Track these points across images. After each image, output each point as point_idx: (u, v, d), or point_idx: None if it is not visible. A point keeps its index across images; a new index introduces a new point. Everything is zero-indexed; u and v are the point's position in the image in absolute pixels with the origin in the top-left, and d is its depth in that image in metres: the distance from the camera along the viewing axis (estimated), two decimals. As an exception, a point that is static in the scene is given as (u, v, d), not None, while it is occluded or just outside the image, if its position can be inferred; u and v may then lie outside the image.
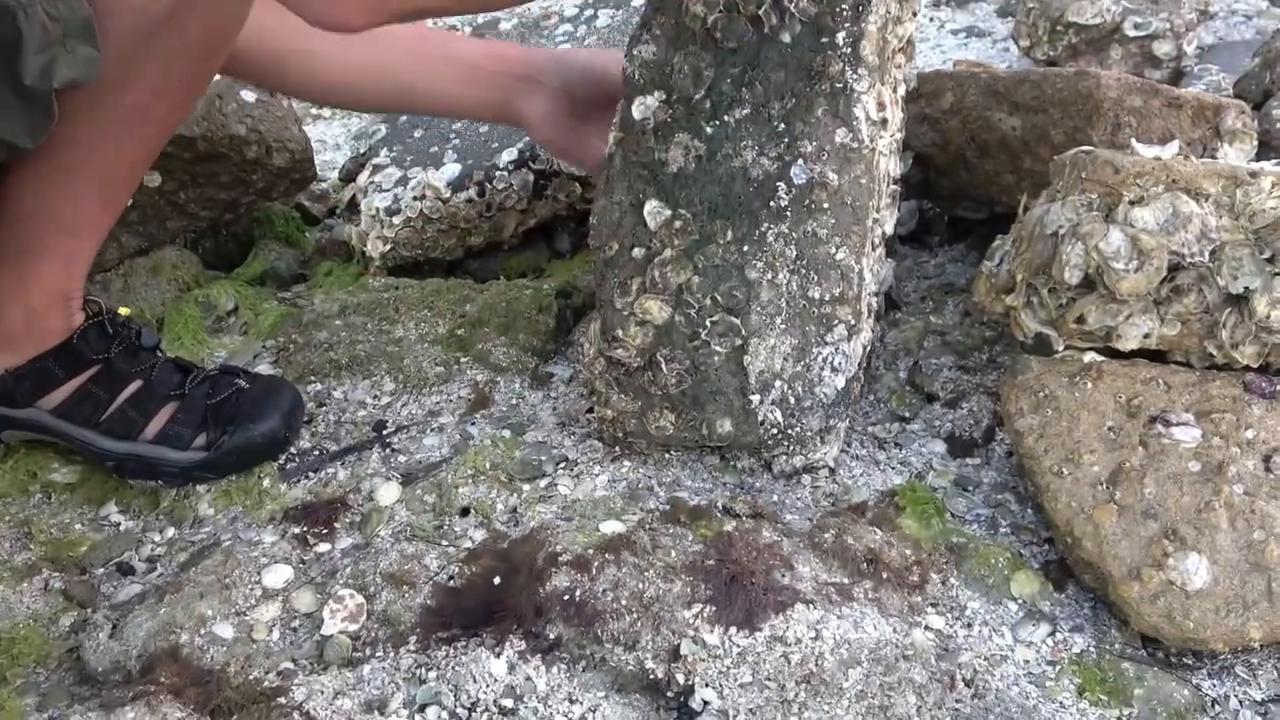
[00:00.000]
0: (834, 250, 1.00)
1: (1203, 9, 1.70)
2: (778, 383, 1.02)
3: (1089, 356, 1.02)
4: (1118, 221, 0.96)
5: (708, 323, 1.02)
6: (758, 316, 1.01)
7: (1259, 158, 1.24)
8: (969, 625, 0.93)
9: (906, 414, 1.16)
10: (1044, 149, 1.24)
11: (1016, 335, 1.05)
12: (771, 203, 0.99)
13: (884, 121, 1.02)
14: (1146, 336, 1.00)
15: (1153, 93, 1.22)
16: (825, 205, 0.99)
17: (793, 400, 1.03)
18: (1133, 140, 1.05)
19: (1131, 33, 1.65)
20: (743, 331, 1.01)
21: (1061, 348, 1.03)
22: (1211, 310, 0.98)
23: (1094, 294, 0.99)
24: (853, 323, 1.03)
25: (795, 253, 1.00)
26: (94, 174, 1.03)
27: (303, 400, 1.22)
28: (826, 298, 1.01)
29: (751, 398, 1.03)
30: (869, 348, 1.11)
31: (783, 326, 1.01)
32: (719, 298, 1.01)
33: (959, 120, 1.32)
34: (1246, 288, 0.96)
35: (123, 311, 1.16)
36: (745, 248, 1.00)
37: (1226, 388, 0.98)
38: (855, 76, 0.97)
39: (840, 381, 1.04)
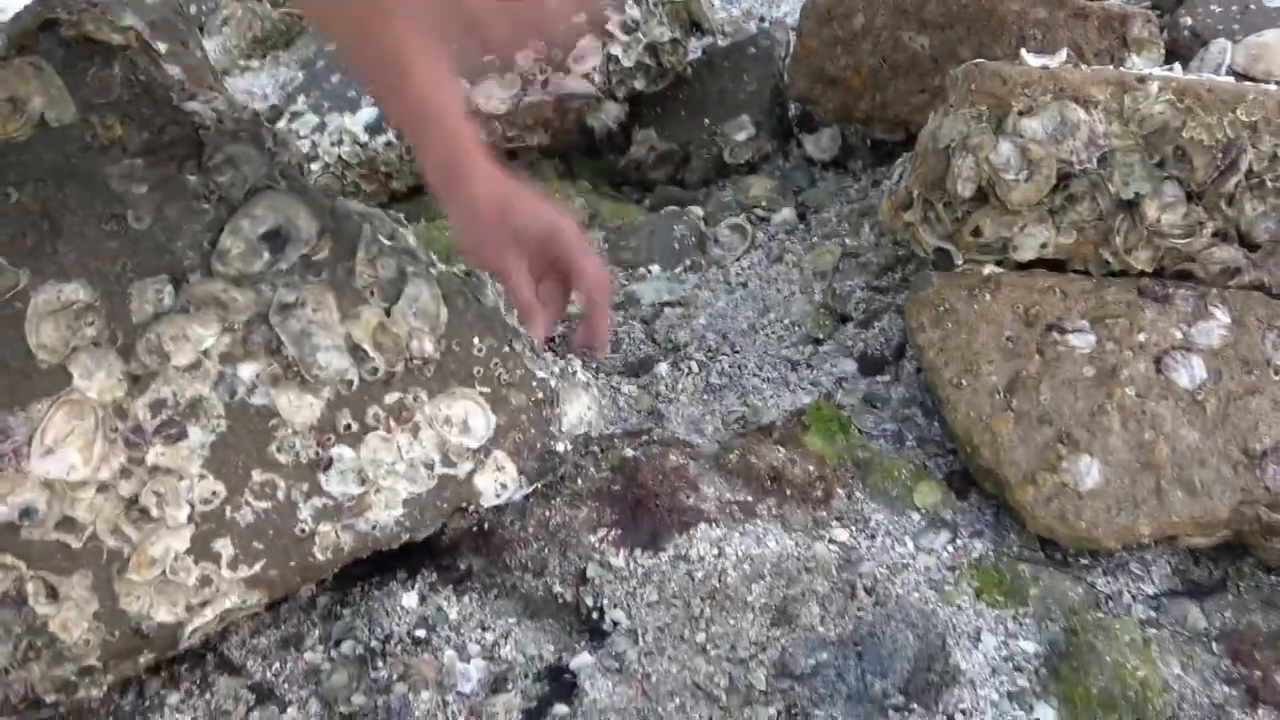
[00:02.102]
0: None
1: (1126, -81, 1.69)
2: None
3: (988, 269, 1.03)
4: (1007, 132, 0.97)
5: None
6: None
7: (1168, 64, 1.24)
8: (872, 536, 0.95)
9: (820, 335, 1.17)
10: (953, 66, 1.24)
11: (917, 251, 1.06)
12: None
13: None
14: (1043, 246, 1.01)
15: (1058, 5, 1.21)
16: None
17: None
18: (1021, 51, 1.05)
19: (1053, -54, 1.64)
20: None
21: (961, 261, 1.04)
22: (1105, 217, 0.99)
23: (988, 206, 0.99)
24: None
25: None
26: None
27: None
28: None
29: None
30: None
31: None
32: None
33: (870, 41, 1.32)
34: (1137, 193, 0.97)
35: None
36: None
37: (1121, 293, 1.00)
38: None
39: None
